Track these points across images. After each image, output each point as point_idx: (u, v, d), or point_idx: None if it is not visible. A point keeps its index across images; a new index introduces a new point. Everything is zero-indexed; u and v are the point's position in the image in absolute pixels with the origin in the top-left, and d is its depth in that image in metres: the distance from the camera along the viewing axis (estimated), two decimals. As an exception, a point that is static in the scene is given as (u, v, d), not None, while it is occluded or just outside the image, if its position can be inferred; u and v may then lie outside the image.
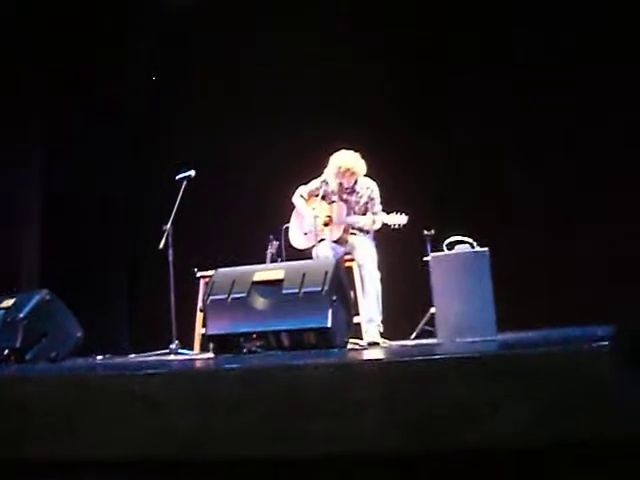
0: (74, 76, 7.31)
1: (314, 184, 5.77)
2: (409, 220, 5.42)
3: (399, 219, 5.40)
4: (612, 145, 6.17)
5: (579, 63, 6.24)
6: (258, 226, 6.39)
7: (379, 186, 5.66)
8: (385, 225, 5.47)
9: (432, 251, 5.25)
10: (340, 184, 5.64)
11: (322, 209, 5.63)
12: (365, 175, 5.65)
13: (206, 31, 7.20)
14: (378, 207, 5.60)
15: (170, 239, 5.79)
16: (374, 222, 5.50)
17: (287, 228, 5.88)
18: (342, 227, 5.57)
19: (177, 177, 5.94)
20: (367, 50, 6.89)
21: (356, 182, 5.63)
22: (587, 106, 6.24)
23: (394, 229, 5.43)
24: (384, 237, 5.71)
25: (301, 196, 5.81)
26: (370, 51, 6.90)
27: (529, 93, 6.47)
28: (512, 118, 6.54)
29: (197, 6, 7.09)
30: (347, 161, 5.54)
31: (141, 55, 7.64)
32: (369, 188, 5.63)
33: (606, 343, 2.35)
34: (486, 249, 4.62)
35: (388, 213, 5.48)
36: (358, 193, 5.64)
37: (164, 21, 7.17)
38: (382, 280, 5.42)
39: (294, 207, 5.86)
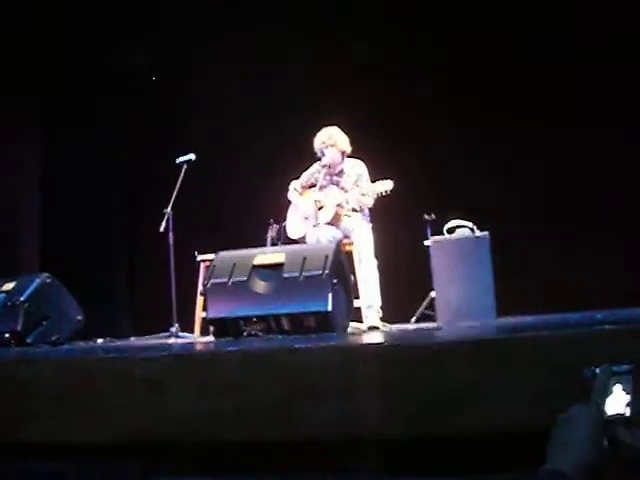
0: (75, 58, 7.27)
1: (305, 176, 5.77)
2: (411, 204, 5.39)
3: (385, 185, 5.32)
4: (614, 133, 6.13)
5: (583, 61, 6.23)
6: (258, 209, 6.38)
7: (380, 170, 5.63)
8: (377, 196, 5.37)
9: (432, 235, 5.25)
10: (328, 167, 5.59)
11: (317, 195, 5.61)
12: (353, 157, 5.64)
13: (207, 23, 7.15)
14: (366, 184, 5.56)
15: (170, 222, 5.79)
16: (362, 194, 5.43)
17: (286, 218, 5.85)
18: (334, 209, 5.51)
19: (178, 160, 5.93)
20: (368, 35, 6.86)
21: (344, 163, 5.62)
22: (590, 98, 6.22)
23: (384, 197, 5.36)
24: (385, 221, 5.70)
25: (295, 189, 5.80)
26: (372, 35, 6.86)
27: (532, 77, 6.44)
28: (514, 102, 6.51)
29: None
30: (325, 133, 5.59)
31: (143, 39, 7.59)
32: (356, 166, 5.62)
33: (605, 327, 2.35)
34: (486, 233, 4.63)
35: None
36: (346, 173, 5.63)
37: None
38: (382, 264, 5.40)
39: (289, 203, 5.83)
